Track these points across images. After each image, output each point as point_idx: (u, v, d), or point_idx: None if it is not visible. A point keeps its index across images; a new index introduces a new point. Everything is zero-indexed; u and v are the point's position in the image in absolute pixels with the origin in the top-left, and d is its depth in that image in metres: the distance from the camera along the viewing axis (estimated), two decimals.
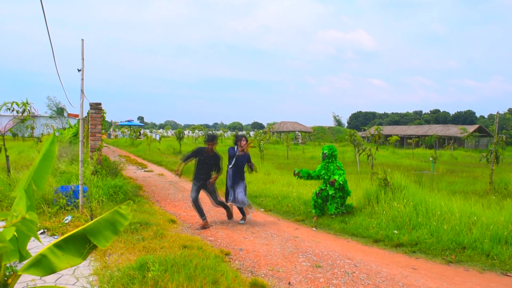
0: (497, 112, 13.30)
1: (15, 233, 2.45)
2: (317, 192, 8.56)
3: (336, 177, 8.20)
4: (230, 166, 8.28)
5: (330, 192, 8.40)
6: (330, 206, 8.51)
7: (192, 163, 8.34)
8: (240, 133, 10.73)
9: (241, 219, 8.47)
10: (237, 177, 8.25)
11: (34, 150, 15.26)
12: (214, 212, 9.33)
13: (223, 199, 8.46)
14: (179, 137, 31.03)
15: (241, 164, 8.29)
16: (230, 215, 8.53)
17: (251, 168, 8.40)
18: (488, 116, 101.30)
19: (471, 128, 54.11)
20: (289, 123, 62.64)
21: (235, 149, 8.38)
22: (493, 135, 13.18)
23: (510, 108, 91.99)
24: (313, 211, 8.71)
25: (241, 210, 8.46)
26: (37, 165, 2.87)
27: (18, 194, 2.71)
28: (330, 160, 8.56)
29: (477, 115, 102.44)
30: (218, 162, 8.19)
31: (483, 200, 9.06)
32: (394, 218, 7.76)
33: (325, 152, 8.61)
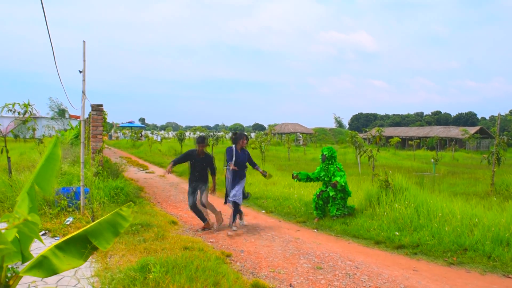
0: (499, 114, 13.29)
1: (16, 234, 2.46)
2: (318, 193, 8.55)
3: (338, 178, 8.17)
4: (230, 167, 7.94)
5: (331, 194, 8.38)
6: (332, 208, 8.49)
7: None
8: (240, 131, 10.05)
9: (232, 224, 7.99)
10: (237, 176, 7.93)
11: (35, 152, 15.24)
12: None
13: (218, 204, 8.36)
14: (180, 139, 31.04)
15: (242, 162, 7.96)
16: (220, 219, 8.20)
17: (264, 175, 8.23)
18: (489, 117, 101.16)
19: (473, 130, 54.08)
20: (290, 124, 62.72)
21: (234, 148, 8.00)
22: (494, 136, 13.17)
23: None
24: (314, 212, 8.70)
25: (234, 214, 8.04)
26: (40, 167, 2.88)
27: (21, 196, 2.72)
28: (330, 162, 8.52)
29: (479, 116, 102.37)
30: (211, 162, 8.07)
31: (485, 202, 9.05)
32: (396, 220, 7.76)
33: (324, 153, 8.56)
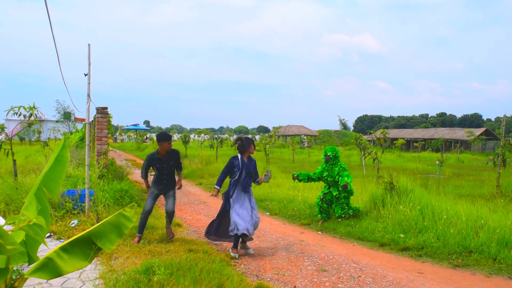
0: (504, 115, 13.24)
1: (23, 237, 2.48)
2: (321, 197, 8.51)
3: (346, 179, 8.12)
4: (240, 180, 6.46)
5: (334, 193, 8.35)
6: (336, 208, 8.47)
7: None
8: (245, 136, 7.77)
9: (245, 248, 6.62)
10: (246, 194, 6.51)
11: (41, 154, 15.33)
12: None
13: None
14: (185, 141, 31.11)
15: (251, 175, 6.59)
16: (170, 233, 6.96)
17: (259, 182, 6.72)
18: (495, 119, 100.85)
19: (478, 131, 53.84)
20: (294, 126, 62.68)
21: (240, 158, 6.51)
22: (500, 138, 13.12)
23: None
24: (319, 216, 8.67)
25: (243, 238, 6.55)
26: (48, 169, 2.90)
27: (28, 199, 2.74)
28: (334, 162, 8.44)
29: (484, 118, 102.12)
30: (178, 159, 6.99)
31: (490, 204, 9.01)
32: (400, 222, 7.73)
33: (328, 154, 8.46)
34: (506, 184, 13.04)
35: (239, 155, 6.54)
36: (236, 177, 6.43)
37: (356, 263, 6.13)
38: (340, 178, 8.22)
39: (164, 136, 6.79)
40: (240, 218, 6.26)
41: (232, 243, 6.47)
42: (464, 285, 5.32)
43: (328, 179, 8.42)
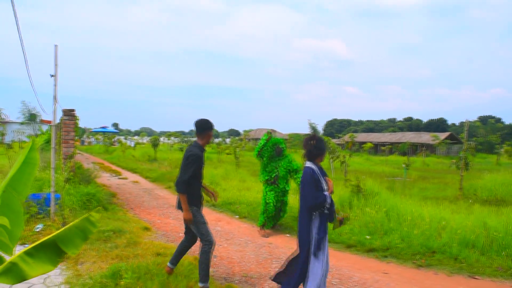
0: (466, 120, 13.69)
1: None
2: (275, 205, 8.13)
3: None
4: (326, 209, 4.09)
5: (287, 189, 8.15)
6: (283, 207, 8.38)
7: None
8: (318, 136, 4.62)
9: None
10: (326, 224, 4.18)
11: (4, 157, 14.88)
12: None
13: None
14: (155, 144, 30.78)
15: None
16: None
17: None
18: (459, 123, 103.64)
19: (443, 136, 55.42)
20: (265, 130, 62.90)
21: (316, 169, 4.14)
22: (463, 142, 13.55)
23: (480, 116, 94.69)
24: (268, 224, 8.30)
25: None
26: (15, 171, 2.85)
27: None
28: (284, 154, 8.15)
29: (449, 123, 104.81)
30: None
31: (453, 206, 9.31)
32: (367, 224, 7.90)
33: (281, 146, 8.02)
34: (468, 186, 13.48)
35: (312, 165, 4.20)
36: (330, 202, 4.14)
37: None
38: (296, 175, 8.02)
39: (209, 122, 4.89)
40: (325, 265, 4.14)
41: None
42: (427, 284, 5.49)
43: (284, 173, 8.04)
